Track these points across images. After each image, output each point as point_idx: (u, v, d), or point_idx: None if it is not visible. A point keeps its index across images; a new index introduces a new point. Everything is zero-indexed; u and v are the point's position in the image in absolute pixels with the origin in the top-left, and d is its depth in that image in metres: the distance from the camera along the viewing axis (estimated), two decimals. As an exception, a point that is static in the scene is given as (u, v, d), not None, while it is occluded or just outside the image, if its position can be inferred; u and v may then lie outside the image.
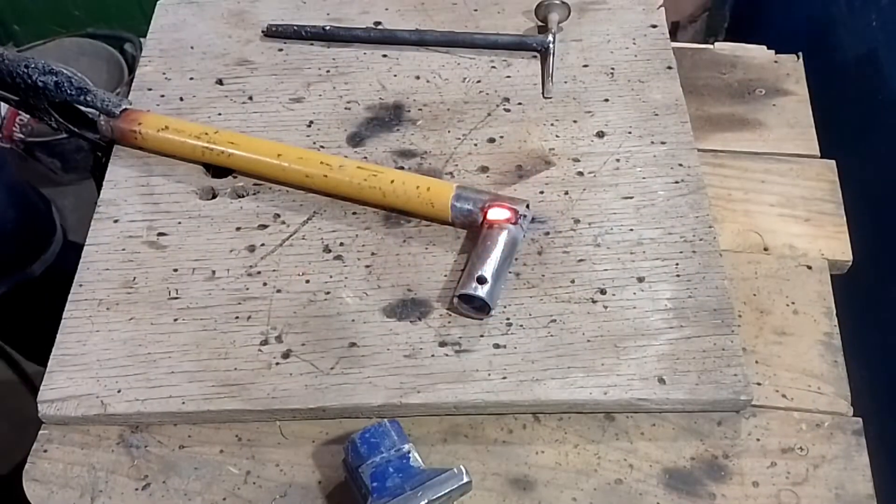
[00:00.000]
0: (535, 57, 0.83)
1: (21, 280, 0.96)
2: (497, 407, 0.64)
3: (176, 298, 0.68)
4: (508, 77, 0.82)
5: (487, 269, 0.65)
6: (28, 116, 0.84)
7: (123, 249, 0.71)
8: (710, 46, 0.89)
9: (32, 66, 0.72)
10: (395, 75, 0.82)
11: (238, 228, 0.72)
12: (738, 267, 0.72)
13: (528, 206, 0.69)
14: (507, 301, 0.67)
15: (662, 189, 0.74)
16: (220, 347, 0.66)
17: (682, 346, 0.65)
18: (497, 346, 0.65)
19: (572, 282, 0.68)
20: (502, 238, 0.67)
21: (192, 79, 0.82)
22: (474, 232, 0.70)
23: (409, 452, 0.59)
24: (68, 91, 0.73)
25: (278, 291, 0.68)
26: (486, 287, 0.65)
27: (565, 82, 0.81)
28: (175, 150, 0.75)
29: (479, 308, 0.66)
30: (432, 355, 0.65)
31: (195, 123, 0.76)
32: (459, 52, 0.84)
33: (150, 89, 0.82)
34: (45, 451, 0.64)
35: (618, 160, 0.76)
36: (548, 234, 0.71)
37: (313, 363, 0.65)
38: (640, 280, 0.68)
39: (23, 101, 0.75)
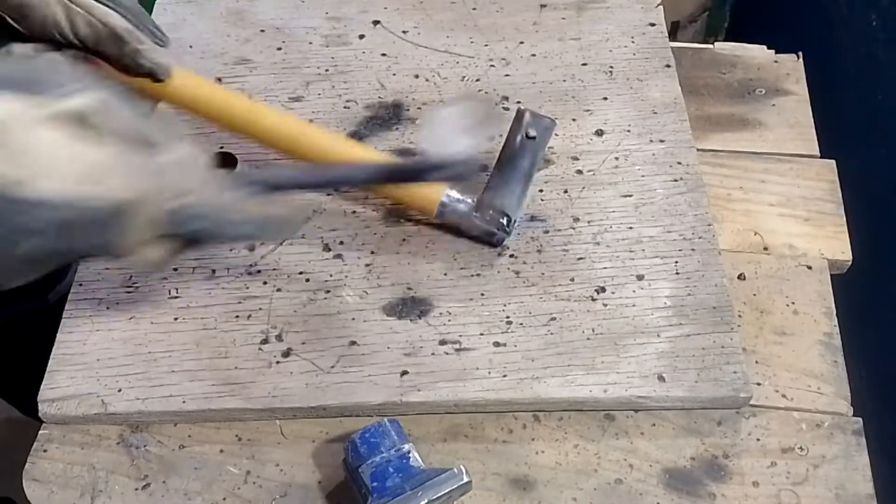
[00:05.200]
0: (533, 56, 0.83)
1: (37, 307, 0.97)
2: (497, 405, 0.63)
3: (176, 297, 0.68)
4: (507, 76, 0.82)
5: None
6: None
7: (123, 248, 0.71)
8: (710, 46, 0.89)
9: None
10: (395, 74, 0.82)
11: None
12: (738, 267, 0.72)
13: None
14: (507, 299, 0.67)
15: (661, 187, 0.74)
16: (220, 346, 0.66)
17: (681, 343, 0.65)
18: (497, 344, 0.65)
19: (572, 280, 0.68)
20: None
21: (191, 78, 0.82)
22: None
23: (409, 452, 0.59)
24: None
25: (278, 290, 0.68)
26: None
27: (564, 81, 0.81)
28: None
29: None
30: (432, 353, 0.65)
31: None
32: (458, 50, 0.84)
33: (149, 88, 0.81)
34: (45, 451, 0.64)
35: (617, 158, 0.76)
36: (547, 232, 0.71)
37: (314, 362, 0.65)
38: (640, 278, 0.68)
39: None
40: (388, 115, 0.79)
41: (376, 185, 0.69)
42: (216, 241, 0.49)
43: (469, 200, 0.69)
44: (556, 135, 0.77)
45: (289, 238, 0.57)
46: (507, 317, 0.66)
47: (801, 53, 0.87)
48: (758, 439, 0.64)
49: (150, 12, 0.87)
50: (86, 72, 0.50)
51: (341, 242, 0.71)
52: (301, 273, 0.69)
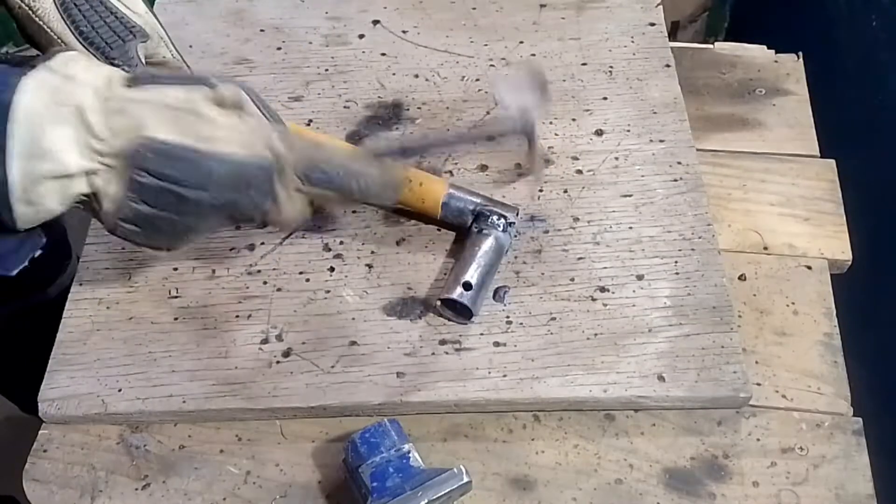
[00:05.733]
0: (533, 56, 0.83)
1: (38, 301, 0.97)
2: (497, 405, 0.63)
3: (176, 297, 0.68)
4: (507, 76, 0.82)
5: (473, 275, 0.65)
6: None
7: (123, 248, 0.71)
8: (710, 46, 0.89)
9: None
10: (394, 74, 0.82)
11: (238, 227, 0.72)
12: (738, 267, 0.72)
13: (517, 214, 0.69)
14: (508, 299, 0.67)
15: (661, 187, 0.74)
16: (220, 346, 0.66)
17: (681, 343, 0.65)
18: (497, 344, 0.65)
19: (572, 280, 0.68)
20: (489, 244, 0.67)
21: (191, 78, 0.82)
22: (462, 232, 0.70)
23: (409, 452, 0.59)
24: None
25: (278, 290, 0.68)
26: (471, 293, 0.64)
27: (564, 81, 0.81)
28: None
29: (462, 313, 0.66)
30: (433, 353, 0.65)
31: None
32: (458, 49, 0.84)
33: (149, 88, 0.81)
34: (45, 451, 0.64)
35: (616, 158, 0.76)
36: (547, 232, 0.71)
37: (314, 362, 0.65)
38: (640, 278, 0.68)
39: None
40: (387, 115, 0.79)
41: (463, 145, 0.76)
42: (344, 195, 0.59)
43: (471, 198, 0.69)
44: (557, 134, 0.77)
45: (389, 203, 0.63)
46: (507, 317, 0.66)
47: (801, 53, 0.87)
48: (758, 439, 0.64)
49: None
50: None
51: (341, 242, 0.71)
52: (301, 273, 0.69)
